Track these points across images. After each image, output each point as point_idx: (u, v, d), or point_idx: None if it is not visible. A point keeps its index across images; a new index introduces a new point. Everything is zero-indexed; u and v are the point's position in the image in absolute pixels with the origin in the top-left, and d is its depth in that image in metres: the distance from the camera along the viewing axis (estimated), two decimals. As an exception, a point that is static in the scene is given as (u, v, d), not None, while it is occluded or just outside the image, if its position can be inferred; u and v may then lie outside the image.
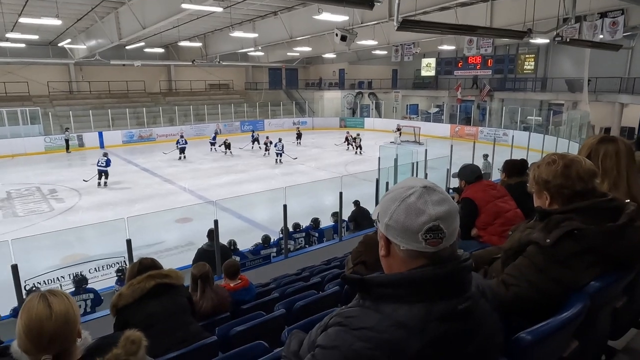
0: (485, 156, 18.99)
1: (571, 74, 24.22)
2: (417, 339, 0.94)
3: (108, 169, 15.39)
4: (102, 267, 6.94)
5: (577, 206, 1.45)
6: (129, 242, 5.86)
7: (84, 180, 15.33)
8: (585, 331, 1.40)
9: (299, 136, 25.12)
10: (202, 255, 6.37)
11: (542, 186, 1.56)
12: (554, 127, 21.24)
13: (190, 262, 6.25)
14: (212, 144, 23.06)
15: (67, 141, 22.61)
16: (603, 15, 14.45)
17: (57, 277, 6.55)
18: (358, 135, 22.49)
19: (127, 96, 29.56)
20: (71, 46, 22.24)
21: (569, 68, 24.79)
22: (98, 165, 15.32)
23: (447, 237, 0.99)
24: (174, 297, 2.66)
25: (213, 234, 6.59)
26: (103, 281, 6.88)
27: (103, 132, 24.37)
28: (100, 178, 15.32)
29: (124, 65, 26.70)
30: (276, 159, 19.44)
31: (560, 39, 11.77)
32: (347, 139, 22.93)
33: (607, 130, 21.27)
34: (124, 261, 6.50)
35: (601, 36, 14.62)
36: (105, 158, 15.43)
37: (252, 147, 23.26)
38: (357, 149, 21.86)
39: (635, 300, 1.76)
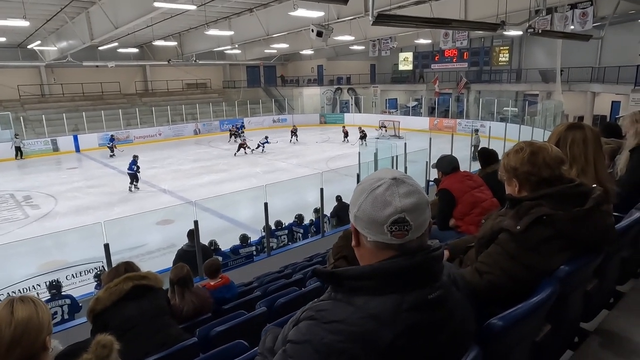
0: (476, 131, 19.47)
1: (544, 64, 24.72)
2: (389, 331, 0.93)
3: (138, 173, 15.01)
4: (81, 273, 6.79)
5: (546, 192, 1.48)
6: (106, 246, 5.75)
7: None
8: (557, 314, 1.43)
9: (293, 133, 24.92)
10: (182, 256, 6.28)
11: (511, 173, 1.58)
12: (529, 117, 21.69)
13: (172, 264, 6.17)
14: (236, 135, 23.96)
15: (17, 148, 21.50)
16: (573, 6, 14.75)
17: (34, 285, 6.38)
18: (359, 128, 23.48)
19: (102, 98, 28.92)
20: (41, 48, 21.58)
21: (543, 59, 25.30)
22: (128, 170, 15.08)
23: (413, 230, 0.99)
24: (153, 300, 2.62)
25: (193, 234, 6.51)
26: (81, 287, 6.74)
27: (78, 136, 23.79)
28: (131, 182, 15.00)
29: (97, 66, 26.06)
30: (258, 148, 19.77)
31: (532, 30, 11.99)
32: (345, 133, 23.64)
33: (581, 118, 21.79)
34: (103, 266, 6.37)
35: (572, 27, 14.93)
36: (132, 160, 15.08)
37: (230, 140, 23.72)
38: (361, 139, 22.45)
39: (606, 282, 1.81)
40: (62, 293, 5.87)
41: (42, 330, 1.28)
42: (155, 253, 9.26)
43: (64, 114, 24.48)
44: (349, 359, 0.92)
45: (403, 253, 1.01)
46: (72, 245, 9.19)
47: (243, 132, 23.26)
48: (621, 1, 12.31)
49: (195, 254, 6.30)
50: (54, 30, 19.42)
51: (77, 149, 23.28)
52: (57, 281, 5.96)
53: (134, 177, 14.93)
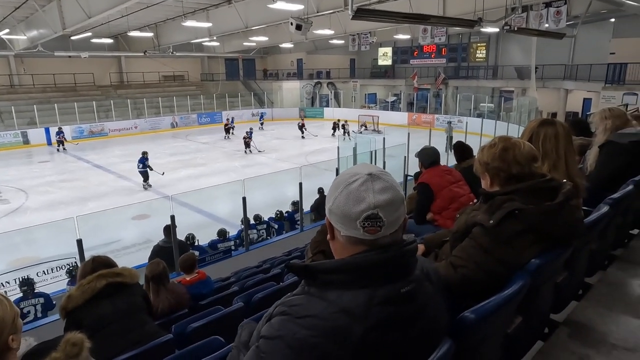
0: (449, 122, 19.98)
1: (520, 61, 25.20)
2: (360, 325, 0.93)
3: (147, 169, 14.26)
4: (53, 269, 6.61)
5: (518, 187, 1.50)
6: (79, 242, 5.61)
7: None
8: (529, 307, 1.46)
9: (301, 127, 24.15)
10: (159, 252, 6.19)
11: (483, 168, 1.60)
12: (505, 113, 22.10)
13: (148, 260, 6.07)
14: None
15: None
16: (548, 4, 15.08)
17: (2, 283, 6.18)
18: (346, 122, 23.53)
19: (75, 89, 28.10)
20: (10, 37, 20.75)
21: (518, 56, 25.78)
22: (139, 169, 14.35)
23: (386, 226, 0.99)
24: (127, 297, 2.56)
25: (169, 229, 6.41)
26: (54, 284, 6.57)
27: (50, 128, 23.04)
28: (144, 181, 14.34)
29: (70, 57, 25.27)
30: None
31: (508, 27, 12.18)
32: (335, 126, 23.58)
33: (554, 115, 22.33)
34: (75, 262, 6.22)
35: (546, 25, 15.26)
36: (141, 158, 14.31)
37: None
38: (345, 134, 22.52)
39: (575, 275, 1.86)
40: (35, 291, 5.71)
41: (4, 330, 1.23)
42: (130, 248, 9.10)
43: (34, 106, 23.68)
44: (321, 353, 0.92)
45: (375, 248, 1.01)
46: (44, 241, 8.94)
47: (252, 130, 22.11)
48: (593, 1, 12.62)
49: (170, 251, 6.21)
50: (24, 18, 18.71)
51: (49, 142, 22.57)
52: (29, 278, 5.80)
53: (145, 175, 14.30)
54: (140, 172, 14.30)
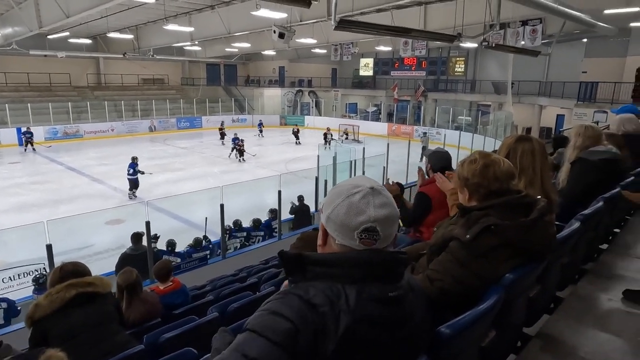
0: (424, 133, 20.33)
1: (497, 77, 25.89)
2: (347, 316, 0.95)
3: (137, 176, 13.25)
4: (20, 275, 6.37)
5: (494, 203, 1.53)
6: (49, 247, 5.43)
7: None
8: (502, 321, 1.48)
9: (296, 133, 24.36)
10: (125, 260, 5.99)
11: (462, 183, 1.63)
12: (482, 126, 22.58)
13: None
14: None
15: None
16: (524, 23, 15.58)
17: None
18: (328, 129, 23.94)
19: (50, 89, 27.37)
20: (-17, 33, 20.15)
21: (495, 71, 26.48)
22: (128, 176, 13.30)
23: (381, 240, 1.04)
24: (98, 306, 2.49)
25: (137, 237, 6.24)
26: (21, 290, 6.32)
27: (22, 129, 22.34)
28: (131, 189, 13.26)
29: (45, 56, 24.58)
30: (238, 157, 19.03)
31: (486, 43, 12.53)
32: (326, 135, 23.43)
33: (529, 130, 22.98)
34: (44, 268, 6.01)
35: (523, 42, 15.74)
36: (131, 163, 13.23)
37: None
38: (327, 143, 22.63)
39: (547, 289, 1.90)
40: (-1, 296, 5.49)
41: None
42: (103, 254, 8.85)
43: (6, 105, 22.94)
44: (308, 339, 0.93)
45: None
46: (12, 245, 8.61)
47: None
48: (567, 21, 13.10)
49: (138, 260, 6.04)
50: (-2, 15, 18.21)
51: (21, 143, 21.85)
52: (-8, 283, 5.57)
53: (134, 183, 13.27)
54: (129, 179, 13.27)
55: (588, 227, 2.14)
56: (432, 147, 14.52)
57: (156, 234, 7.14)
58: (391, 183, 3.40)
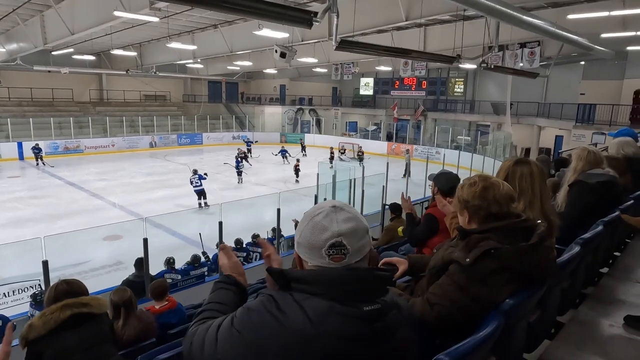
0: (407, 151, 20.44)
1: (496, 97, 26.15)
2: (314, 329, 0.98)
3: (204, 187, 14.21)
4: (14, 291, 6.29)
5: (494, 226, 1.53)
6: (45, 263, 5.37)
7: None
8: (502, 347, 1.46)
9: (303, 148, 24.98)
10: (129, 287, 5.93)
11: (462, 205, 1.63)
12: (481, 146, 22.69)
13: (119, 282, 5.85)
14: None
15: None
16: (522, 45, 15.79)
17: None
18: (332, 149, 23.89)
19: (53, 104, 27.54)
20: (-12, 49, 20.40)
21: (494, 92, 26.75)
22: (194, 187, 14.17)
23: (351, 254, 1.05)
24: (93, 327, 2.44)
25: (141, 263, 6.15)
26: (16, 307, 6.24)
27: (23, 143, 22.43)
28: (200, 198, 14.10)
29: (49, 71, 24.85)
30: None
31: (485, 65, 12.70)
32: (332, 154, 23.00)
33: (528, 150, 23.09)
34: (39, 284, 5.95)
35: (521, 64, 15.94)
36: (197, 175, 14.20)
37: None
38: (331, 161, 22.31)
39: (547, 314, 1.88)
40: (-7, 313, 5.42)
41: None
42: (99, 270, 8.79)
43: (8, 119, 23.08)
44: (274, 343, 0.98)
45: None
46: (8, 261, 8.53)
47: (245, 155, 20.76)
48: (565, 44, 13.31)
49: (142, 288, 5.94)
50: (4, 31, 18.44)
51: (21, 157, 21.94)
52: (-13, 299, 5.51)
53: (201, 193, 14.20)
54: (196, 191, 14.12)
55: (588, 250, 2.13)
56: (433, 167, 14.55)
57: (171, 260, 7.09)
58: (408, 200, 3.43)
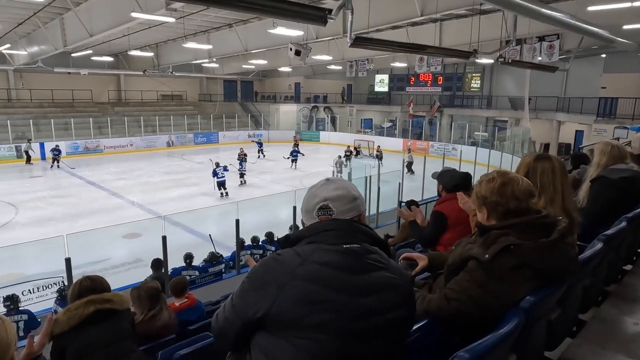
0: (409, 150, 20.20)
1: (514, 92, 25.68)
2: (302, 259, 1.19)
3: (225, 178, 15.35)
4: (39, 287, 6.46)
5: (513, 222, 1.51)
6: (67, 260, 5.50)
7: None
8: (523, 345, 1.44)
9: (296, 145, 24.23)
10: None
11: (481, 201, 1.61)
12: (498, 142, 22.34)
13: (138, 280, 5.94)
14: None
15: (26, 152, 21.54)
16: (541, 39, 15.48)
17: (-16, 299, 6.02)
18: (349, 147, 23.66)
19: (73, 105, 28.17)
20: (10, 52, 20.91)
21: (512, 87, 26.28)
22: (218, 178, 15.24)
23: (336, 215, 1.31)
24: (115, 324, 2.49)
25: (158, 264, 6.23)
26: (40, 303, 6.41)
27: (45, 143, 22.96)
28: (220, 189, 15.20)
29: (69, 73, 25.42)
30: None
31: (503, 59, 12.48)
32: (349, 152, 22.80)
33: (547, 145, 22.65)
34: (62, 281, 6.09)
35: (539, 58, 15.63)
36: (222, 167, 15.33)
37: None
38: (346, 159, 21.52)
39: (568, 311, 1.84)
40: (20, 308, 5.56)
41: (10, 347, 1.25)
42: (119, 268, 8.95)
43: (30, 120, 23.68)
44: (273, 275, 1.19)
45: None
46: (32, 258, 8.77)
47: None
48: (585, 37, 13.00)
49: (162, 286, 6.02)
50: (26, 34, 18.90)
51: (43, 157, 22.45)
52: (14, 295, 5.65)
53: (222, 184, 15.20)
54: (219, 182, 15.17)
55: (611, 247, 2.08)
56: (449, 163, 14.40)
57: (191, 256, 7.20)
58: (404, 210, 3.37)
